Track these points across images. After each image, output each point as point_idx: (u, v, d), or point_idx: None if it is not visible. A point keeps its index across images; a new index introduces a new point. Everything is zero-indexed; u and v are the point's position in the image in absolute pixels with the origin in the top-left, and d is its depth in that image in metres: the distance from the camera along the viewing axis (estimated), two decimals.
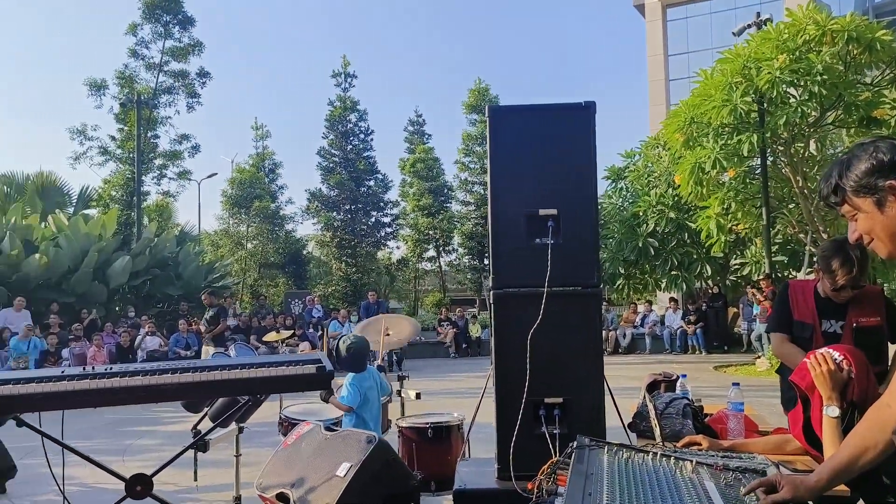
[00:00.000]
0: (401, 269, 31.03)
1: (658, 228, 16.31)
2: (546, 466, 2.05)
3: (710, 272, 16.64)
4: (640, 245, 16.41)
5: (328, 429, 3.70)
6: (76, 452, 3.40)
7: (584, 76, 65.32)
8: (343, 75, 28.51)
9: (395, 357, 14.22)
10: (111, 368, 3.28)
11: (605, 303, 19.45)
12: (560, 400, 3.18)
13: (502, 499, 3.01)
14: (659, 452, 2.08)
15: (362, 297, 21.95)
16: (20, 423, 3.16)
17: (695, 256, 16.42)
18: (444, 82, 69.75)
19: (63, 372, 3.20)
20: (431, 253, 29.82)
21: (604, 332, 17.63)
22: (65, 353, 13.95)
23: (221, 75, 62.09)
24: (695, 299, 17.97)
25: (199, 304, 13.21)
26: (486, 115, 3.43)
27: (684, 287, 17.24)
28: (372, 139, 29.12)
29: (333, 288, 27.66)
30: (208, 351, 11.75)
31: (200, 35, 25.39)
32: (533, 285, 3.19)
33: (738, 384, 3.05)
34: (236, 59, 67.12)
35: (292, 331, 15.67)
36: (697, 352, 16.57)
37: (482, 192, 27.07)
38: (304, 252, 30.36)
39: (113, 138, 23.78)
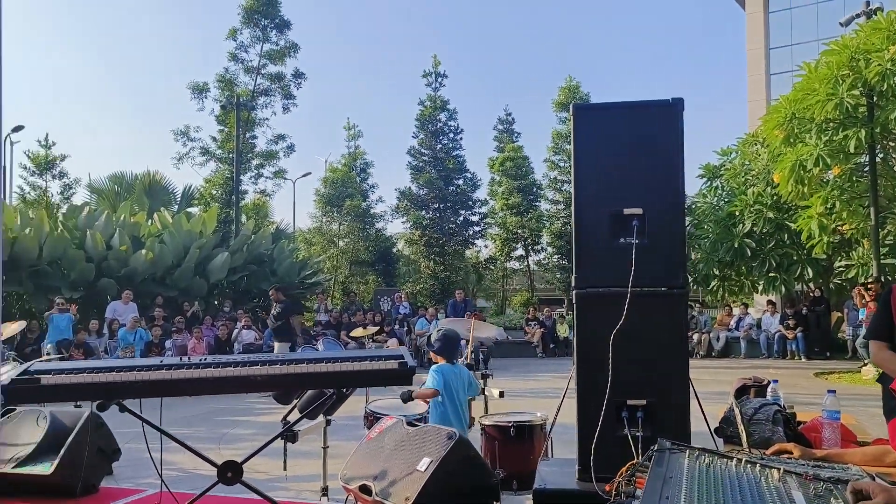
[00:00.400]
0: (488, 267, 31.06)
1: (755, 229, 15.70)
2: (624, 469, 2.02)
3: (811, 274, 15.86)
4: (736, 245, 15.84)
5: (411, 424, 3.76)
6: (173, 438, 3.59)
7: (680, 71, 63.49)
8: (433, 75, 28.78)
9: (481, 356, 14.23)
10: (206, 359, 3.45)
11: (698, 305, 18.87)
12: (643, 402, 3.12)
13: (581, 500, 2.99)
14: (744, 459, 2.01)
15: (450, 295, 22.09)
16: (122, 409, 3.37)
17: (795, 258, 15.71)
18: (534, 80, 69.20)
19: (162, 361, 3.39)
20: (520, 252, 29.72)
21: (697, 335, 17.14)
22: (167, 344, 14.65)
23: (315, 75, 63.63)
24: (794, 303, 17.17)
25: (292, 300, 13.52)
26: (571, 112, 3.40)
27: (783, 290, 16.50)
28: (461, 138, 29.24)
29: (421, 286, 27.97)
30: (276, 346, 12.05)
31: (295, 37, 26.16)
32: (617, 285, 3.15)
33: (833, 391, 2.91)
34: (329, 59, 68.69)
35: (379, 327, 15.90)
36: (797, 358, 15.84)
37: (571, 190, 26.74)
38: (394, 250, 30.81)
39: (214, 139, 24.84)
